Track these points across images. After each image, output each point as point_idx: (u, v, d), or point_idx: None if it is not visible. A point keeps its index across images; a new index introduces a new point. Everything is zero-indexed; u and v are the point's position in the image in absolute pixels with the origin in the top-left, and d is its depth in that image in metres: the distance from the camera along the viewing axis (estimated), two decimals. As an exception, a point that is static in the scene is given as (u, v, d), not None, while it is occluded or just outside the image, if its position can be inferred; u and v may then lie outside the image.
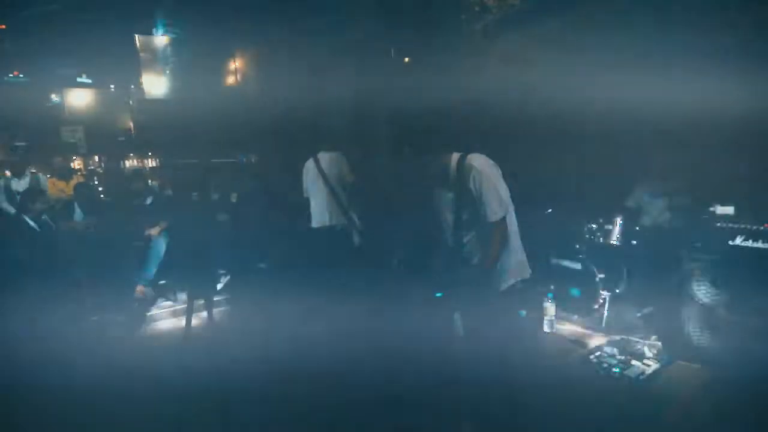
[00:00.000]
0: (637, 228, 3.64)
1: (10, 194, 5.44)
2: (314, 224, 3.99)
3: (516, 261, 2.26)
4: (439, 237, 2.38)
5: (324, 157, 3.95)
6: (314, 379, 2.89)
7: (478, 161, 2.17)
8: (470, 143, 2.28)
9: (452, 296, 2.35)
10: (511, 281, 2.25)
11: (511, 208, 2.22)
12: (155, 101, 12.60)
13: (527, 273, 2.30)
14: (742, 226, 2.82)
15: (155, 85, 13.50)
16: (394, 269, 3.37)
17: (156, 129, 11.22)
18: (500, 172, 2.22)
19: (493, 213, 2.14)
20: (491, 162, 2.21)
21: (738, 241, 2.80)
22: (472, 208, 2.18)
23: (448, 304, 2.39)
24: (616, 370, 2.91)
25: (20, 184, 5.58)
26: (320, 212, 3.94)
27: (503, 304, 2.27)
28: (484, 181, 2.13)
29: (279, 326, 3.67)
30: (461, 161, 2.19)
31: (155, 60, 13.82)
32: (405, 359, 2.75)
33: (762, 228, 2.75)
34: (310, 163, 4.01)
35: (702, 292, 2.90)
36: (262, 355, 3.27)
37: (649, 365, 2.93)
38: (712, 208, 3.04)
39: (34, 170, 6.33)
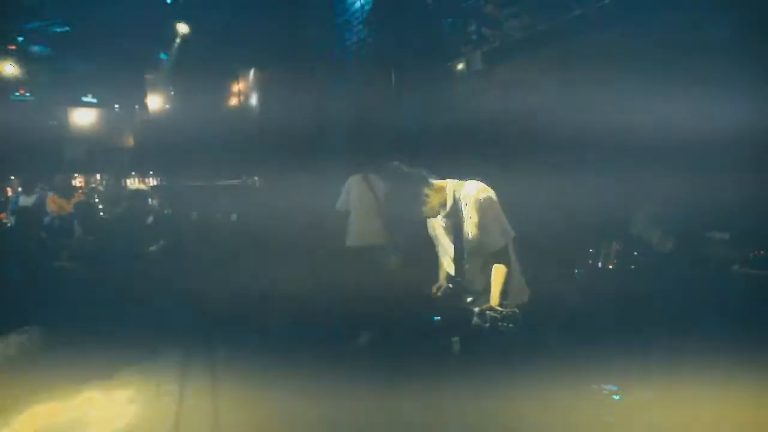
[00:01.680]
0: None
1: (15, 209, 5.51)
2: (352, 241, 3.91)
3: (516, 287, 2.24)
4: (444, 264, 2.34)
5: (374, 175, 3.86)
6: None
7: (476, 190, 2.13)
8: (467, 169, 2.29)
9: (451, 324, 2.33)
10: (511, 304, 2.20)
11: (511, 236, 2.18)
12: (159, 120, 12.78)
13: (526, 296, 2.29)
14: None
15: (160, 105, 13.72)
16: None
17: (162, 148, 11.31)
18: (497, 199, 2.18)
19: (496, 243, 2.11)
20: (489, 189, 2.17)
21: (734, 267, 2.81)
22: (472, 237, 2.14)
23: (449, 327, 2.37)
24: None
25: (28, 201, 5.64)
26: (362, 229, 3.87)
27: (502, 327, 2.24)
28: (485, 213, 2.10)
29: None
30: (459, 190, 2.16)
31: (160, 80, 14.06)
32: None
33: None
34: (356, 179, 3.95)
35: None
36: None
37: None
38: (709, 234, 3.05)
39: (43, 187, 6.40)
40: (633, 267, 3.64)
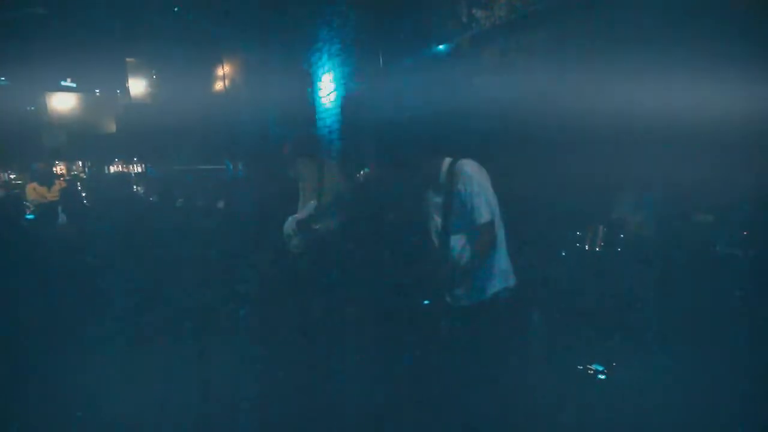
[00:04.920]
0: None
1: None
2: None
3: (501, 268, 2.30)
4: (429, 241, 2.40)
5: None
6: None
7: (468, 166, 2.22)
8: (461, 149, 2.32)
9: (439, 302, 2.37)
10: (497, 287, 2.28)
11: (498, 214, 2.25)
12: (142, 106, 12.49)
13: (512, 281, 2.33)
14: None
15: (142, 89, 13.38)
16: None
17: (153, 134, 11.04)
18: (489, 177, 2.26)
19: (480, 216, 2.17)
20: (481, 167, 2.26)
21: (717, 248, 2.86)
22: (461, 212, 2.21)
23: (436, 309, 2.41)
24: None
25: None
26: None
27: (489, 309, 2.29)
28: (473, 185, 2.17)
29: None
30: (452, 166, 2.24)
31: (142, 65, 13.70)
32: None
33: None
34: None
35: None
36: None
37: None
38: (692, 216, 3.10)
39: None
40: (618, 249, 3.70)
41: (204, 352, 3.54)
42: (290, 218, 3.77)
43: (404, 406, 2.60)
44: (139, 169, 12.62)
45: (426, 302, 2.45)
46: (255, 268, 4.29)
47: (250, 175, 7.63)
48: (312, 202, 3.71)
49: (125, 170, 12.75)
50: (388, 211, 3.95)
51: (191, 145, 9.18)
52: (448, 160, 2.27)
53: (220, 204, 5.63)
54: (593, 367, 3.02)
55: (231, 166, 8.37)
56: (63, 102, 13.83)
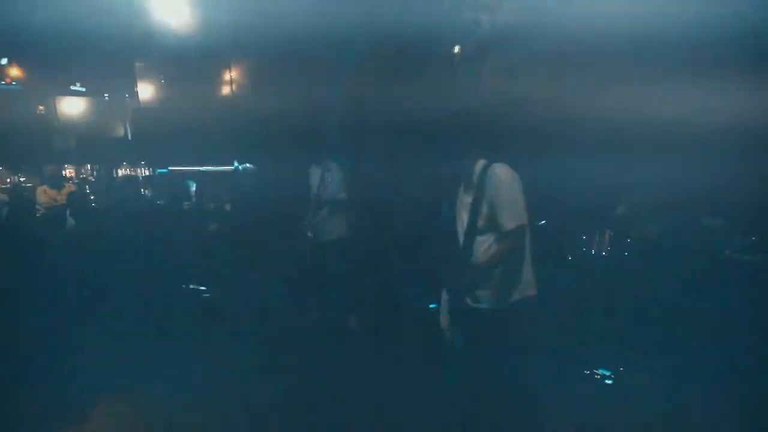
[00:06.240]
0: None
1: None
2: None
3: (526, 278, 2.24)
4: (454, 241, 2.34)
5: None
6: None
7: (501, 170, 2.17)
8: (496, 152, 2.28)
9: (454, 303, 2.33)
10: (517, 297, 2.22)
11: (527, 223, 2.17)
12: (150, 110, 12.55)
13: (534, 290, 2.28)
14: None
15: (151, 93, 13.45)
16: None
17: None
18: (521, 184, 2.20)
19: (506, 223, 2.12)
20: (514, 173, 2.20)
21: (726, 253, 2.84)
22: (488, 216, 2.17)
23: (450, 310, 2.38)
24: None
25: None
26: None
27: (507, 316, 2.23)
28: (502, 191, 2.13)
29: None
30: (485, 168, 2.20)
31: (151, 69, 13.80)
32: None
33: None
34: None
35: None
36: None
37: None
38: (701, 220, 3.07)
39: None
40: (626, 254, 3.68)
41: (213, 352, 3.56)
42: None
43: (416, 406, 2.60)
44: (148, 172, 12.71)
45: (432, 305, 2.43)
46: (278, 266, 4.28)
47: (259, 176, 7.64)
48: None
49: (134, 173, 12.85)
50: (405, 213, 3.95)
51: (200, 147, 9.20)
52: (482, 162, 2.24)
53: (227, 206, 5.67)
54: (601, 371, 3.00)
55: (240, 168, 8.40)
56: (73, 106, 14.00)
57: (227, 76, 10.92)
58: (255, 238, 4.63)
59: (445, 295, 2.40)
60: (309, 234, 3.85)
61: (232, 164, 8.59)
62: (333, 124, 6.70)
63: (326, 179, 3.85)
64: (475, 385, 2.31)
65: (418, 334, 3.02)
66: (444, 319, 2.41)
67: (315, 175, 3.93)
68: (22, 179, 11.18)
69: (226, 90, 11.15)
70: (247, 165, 8.37)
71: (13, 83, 12.46)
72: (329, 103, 6.63)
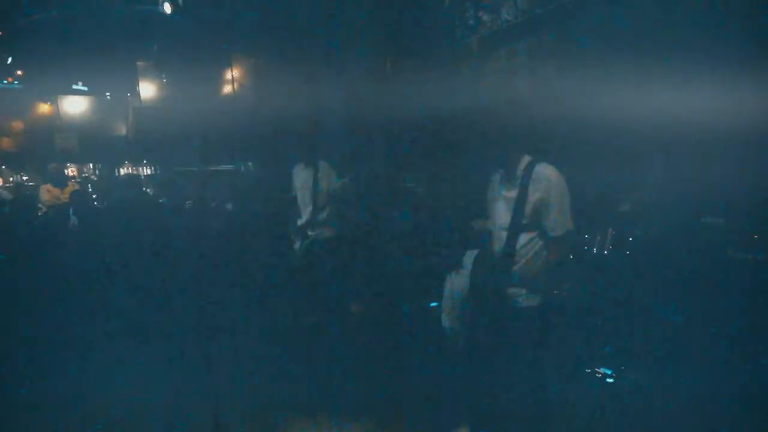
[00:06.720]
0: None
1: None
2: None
3: (557, 276, 2.22)
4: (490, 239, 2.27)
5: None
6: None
7: (549, 171, 2.08)
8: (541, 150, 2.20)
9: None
10: (549, 295, 2.18)
11: (572, 228, 2.11)
12: (152, 109, 12.57)
13: (565, 289, 2.35)
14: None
15: (152, 92, 13.47)
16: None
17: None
18: (566, 186, 2.11)
19: (553, 229, 2.06)
20: (560, 174, 2.11)
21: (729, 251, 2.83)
22: (533, 217, 2.08)
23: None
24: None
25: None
26: None
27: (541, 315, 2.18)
28: (554, 192, 2.05)
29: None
30: (530, 166, 2.10)
31: (152, 68, 13.81)
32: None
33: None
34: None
35: None
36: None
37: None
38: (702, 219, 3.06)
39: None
40: (628, 252, 3.67)
41: (214, 352, 3.57)
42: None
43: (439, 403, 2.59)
44: (150, 171, 12.74)
45: (433, 304, 2.43)
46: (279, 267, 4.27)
47: (260, 175, 7.65)
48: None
49: (136, 172, 12.88)
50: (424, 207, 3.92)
51: (201, 146, 9.22)
52: (527, 158, 2.14)
53: (229, 205, 5.67)
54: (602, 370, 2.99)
55: (242, 167, 8.42)
56: (75, 105, 14.02)
57: (228, 75, 10.95)
58: (255, 237, 4.63)
59: (449, 292, 2.39)
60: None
61: (234, 163, 8.62)
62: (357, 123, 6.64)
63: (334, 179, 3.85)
64: (511, 383, 2.28)
65: (424, 333, 3.01)
66: (451, 317, 2.40)
67: (323, 173, 3.91)
68: (24, 178, 11.22)
69: (227, 89, 11.18)
70: (249, 164, 8.39)
71: (15, 82, 12.49)
72: (351, 102, 6.59)
